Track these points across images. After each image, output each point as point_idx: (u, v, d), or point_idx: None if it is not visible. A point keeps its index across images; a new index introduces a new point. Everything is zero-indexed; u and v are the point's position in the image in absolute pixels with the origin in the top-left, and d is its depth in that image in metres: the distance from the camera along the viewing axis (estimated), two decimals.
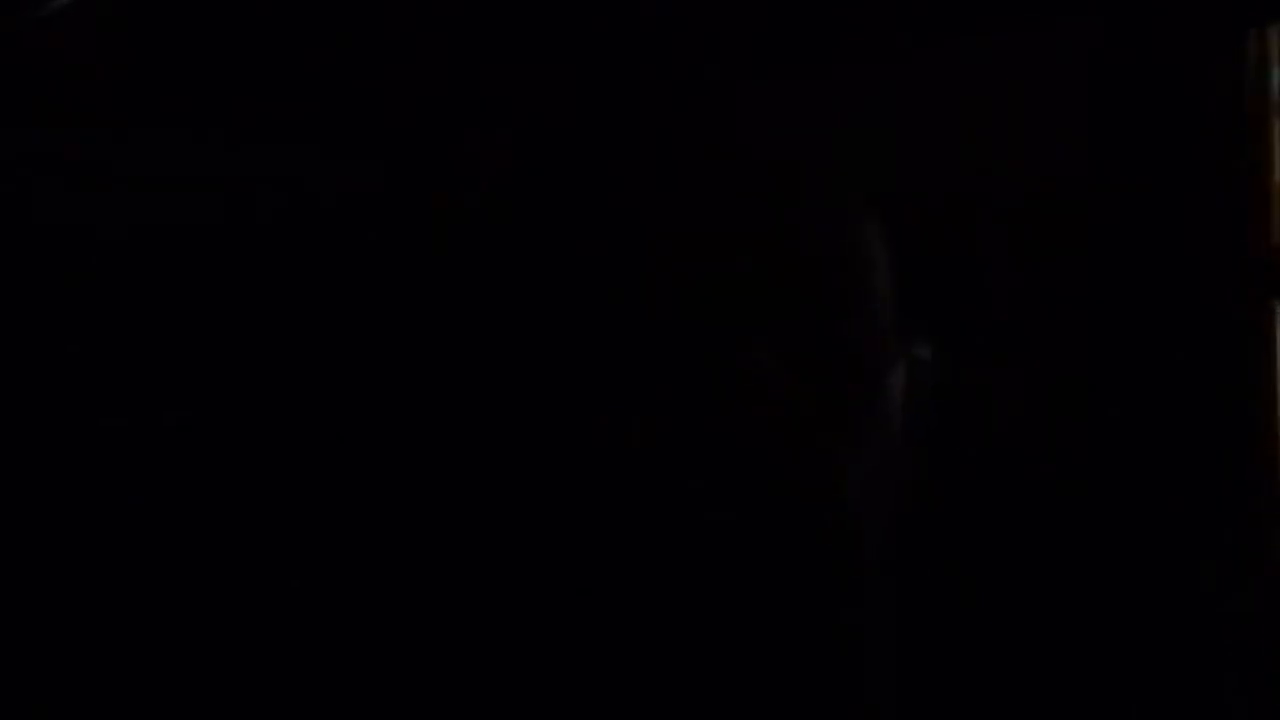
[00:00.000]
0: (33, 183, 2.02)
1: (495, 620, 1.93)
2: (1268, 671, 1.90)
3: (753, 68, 2.22)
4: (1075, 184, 1.97)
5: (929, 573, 1.97)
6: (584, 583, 1.88)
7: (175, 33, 2.24)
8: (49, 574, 1.98)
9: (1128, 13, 1.92)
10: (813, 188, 1.95)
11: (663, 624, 1.85)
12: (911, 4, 2.12)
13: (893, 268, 1.89)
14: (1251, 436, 1.88)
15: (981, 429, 2.05)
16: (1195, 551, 1.91)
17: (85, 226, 2.04)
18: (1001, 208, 2.03)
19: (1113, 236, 1.94)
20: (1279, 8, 1.87)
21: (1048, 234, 2.00)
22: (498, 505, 1.93)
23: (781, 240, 1.89)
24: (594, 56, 2.26)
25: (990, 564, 2.04)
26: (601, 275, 1.94)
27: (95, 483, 2.00)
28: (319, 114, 2.23)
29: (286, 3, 2.28)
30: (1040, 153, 2.00)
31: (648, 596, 1.86)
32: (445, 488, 1.99)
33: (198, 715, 1.97)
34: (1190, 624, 1.91)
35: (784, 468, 1.85)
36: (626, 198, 1.98)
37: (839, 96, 2.16)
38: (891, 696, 1.87)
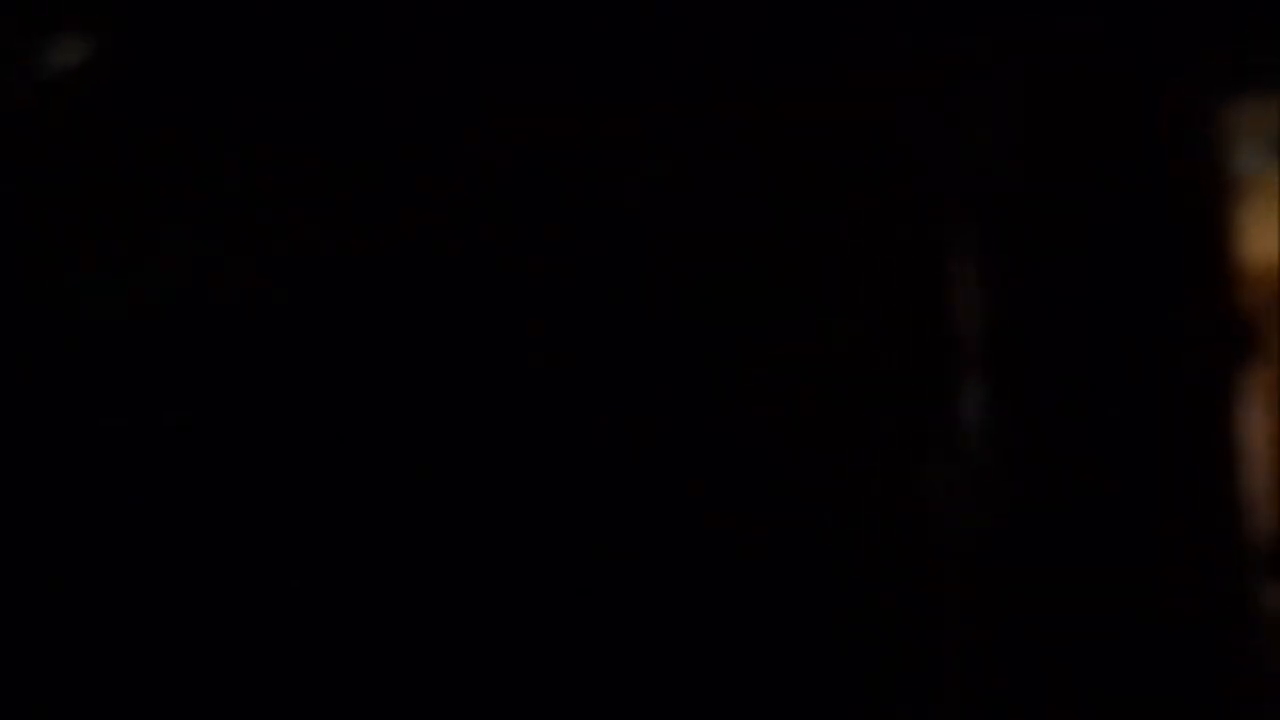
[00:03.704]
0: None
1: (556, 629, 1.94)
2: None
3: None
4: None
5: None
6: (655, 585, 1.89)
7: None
8: (48, 574, 1.98)
9: (1090, 83, 1.94)
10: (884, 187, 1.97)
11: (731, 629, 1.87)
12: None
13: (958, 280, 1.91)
14: (1217, 499, 1.91)
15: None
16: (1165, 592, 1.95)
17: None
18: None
19: (1071, 305, 1.97)
20: (1244, 83, 1.90)
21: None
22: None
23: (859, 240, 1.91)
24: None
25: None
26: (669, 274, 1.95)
27: (94, 482, 2.00)
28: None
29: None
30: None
31: (713, 598, 1.87)
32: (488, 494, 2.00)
33: (197, 715, 1.97)
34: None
35: (859, 470, 1.88)
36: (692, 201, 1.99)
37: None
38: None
